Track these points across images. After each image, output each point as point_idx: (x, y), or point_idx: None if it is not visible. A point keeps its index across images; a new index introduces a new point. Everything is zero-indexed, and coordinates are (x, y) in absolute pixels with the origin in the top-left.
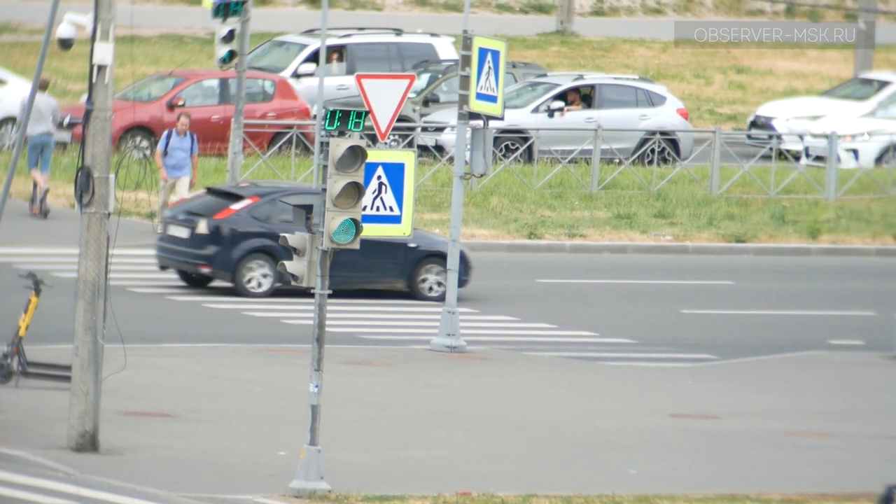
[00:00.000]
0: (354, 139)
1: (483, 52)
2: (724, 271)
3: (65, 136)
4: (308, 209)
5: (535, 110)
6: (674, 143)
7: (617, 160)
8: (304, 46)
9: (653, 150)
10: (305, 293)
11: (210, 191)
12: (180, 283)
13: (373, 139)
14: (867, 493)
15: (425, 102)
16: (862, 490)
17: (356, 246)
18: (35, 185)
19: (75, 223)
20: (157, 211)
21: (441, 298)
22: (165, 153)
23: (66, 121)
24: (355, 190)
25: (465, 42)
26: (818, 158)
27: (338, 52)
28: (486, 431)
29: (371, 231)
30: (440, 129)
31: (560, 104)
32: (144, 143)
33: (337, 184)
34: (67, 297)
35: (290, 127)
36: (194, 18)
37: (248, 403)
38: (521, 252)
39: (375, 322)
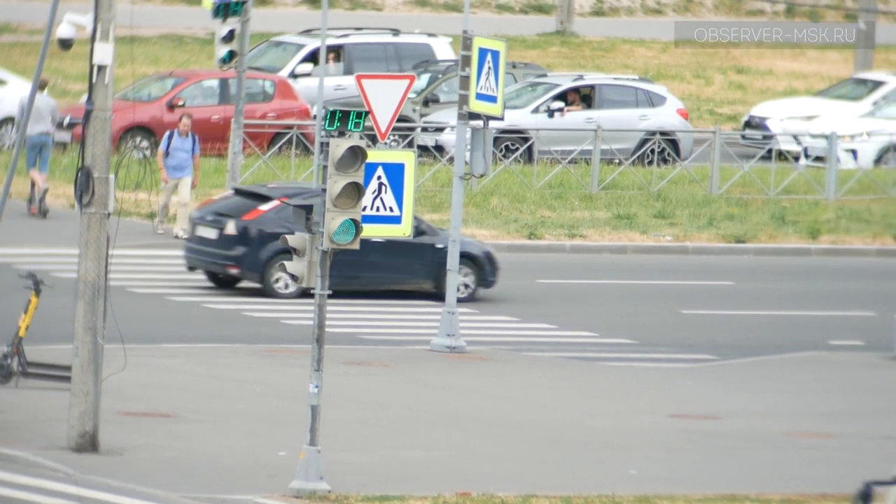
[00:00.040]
0: (354, 139)
1: (483, 53)
2: (724, 272)
3: (65, 136)
4: (308, 209)
5: (535, 110)
6: (674, 144)
7: (617, 160)
8: (301, 46)
9: (653, 151)
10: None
11: (238, 192)
12: (180, 283)
13: (373, 139)
14: None
15: (425, 103)
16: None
17: (356, 246)
18: (33, 185)
19: (75, 223)
20: (158, 211)
21: (468, 300)
22: (167, 154)
23: (66, 121)
24: (355, 190)
25: (465, 42)
26: (818, 159)
27: (335, 52)
28: (486, 432)
29: (371, 231)
30: (440, 130)
31: (560, 104)
32: (144, 144)
33: (337, 184)
34: (67, 298)
35: (290, 127)
36: (194, 18)
37: (248, 404)
38: (521, 252)
39: (375, 322)
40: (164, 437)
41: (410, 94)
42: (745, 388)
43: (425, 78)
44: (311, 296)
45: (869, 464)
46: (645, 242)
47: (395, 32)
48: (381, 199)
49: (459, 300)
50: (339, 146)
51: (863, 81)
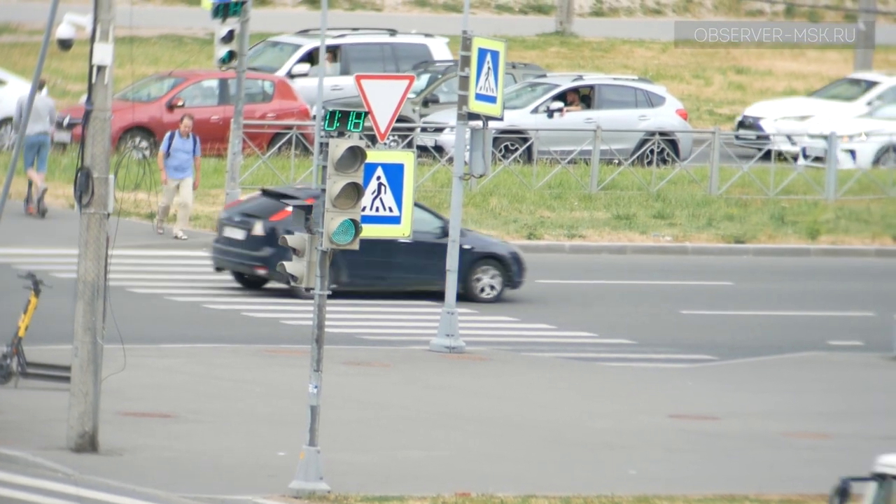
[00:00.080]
0: (354, 140)
1: (482, 53)
2: (724, 272)
3: (64, 136)
4: (308, 210)
5: (535, 111)
6: (673, 144)
7: (616, 161)
8: (297, 47)
9: (652, 151)
10: (360, 296)
11: (265, 192)
12: (181, 284)
13: (372, 140)
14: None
15: (425, 103)
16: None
17: (355, 247)
18: (30, 185)
19: (74, 223)
20: (158, 212)
21: (495, 300)
22: (168, 154)
23: (66, 121)
24: (355, 190)
25: (465, 42)
26: (817, 159)
27: (332, 52)
28: (486, 432)
29: (370, 232)
30: (440, 130)
31: (559, 105)
32: (144, 144)
33: (336, 184)
34: (67, 298)
35: (289, 127)
36: (194, 19)
37: (248, 404)
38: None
39: (375, 323)
40: (164, 438)
41: (410, 95)
42: (745, 388)
43: (425, 78)
44: (340, 298)
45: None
46: (644, 243)
47: (392, 33)
48: (381, 199)
49: (487, 300)
50: (338, 146)
51: (857, 81)
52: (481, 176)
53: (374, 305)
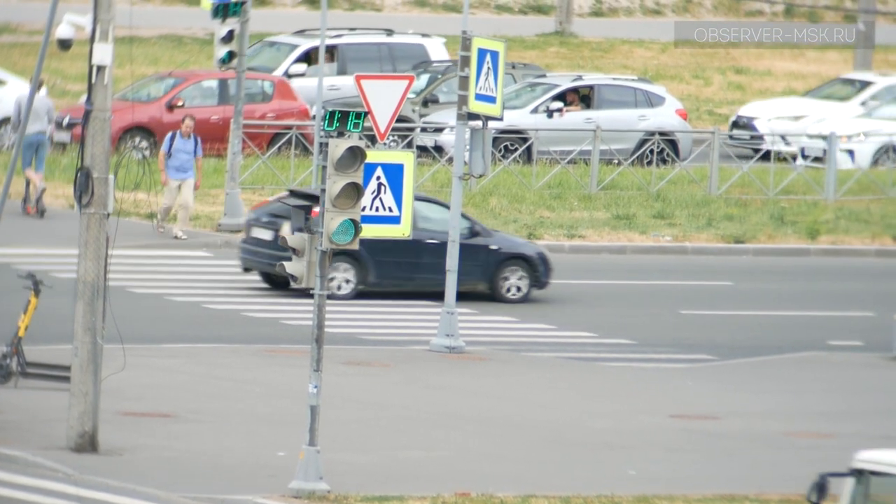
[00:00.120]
0: (353, 140)
1: (482, 53)
2: (724, 272)
3: (64, 136)
4: (308, 210)
5: (535, 111)
6: (673, 144)
7: (616, 161)
8: (294, 47)
9: (652, 151)
10: (389, 297)
11: (293, 193)
12: (181, 284)
13: (372, 140)
14: None
15: (425, 103)
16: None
17: (355, 247)
18: (28, 184)
19: (74, 223)
20: (160, 212)
21: (522, 301)
22: (169, 155)
23: (66, 121)
24: (354, 190)
25: (465, 43)
26: (816, 160)
27: (329, 52)
28: (486, 432)
29: (370, 232)
30: (439, 130)
31: (559, 105)
32: (143, 144)
33: (336, 184)
34: (67, 298)
35: (289, 128)
36: (193, 19)
37: (248, 404)
38: None
39: (375, 323)
40: (164, 438)
41: (410, 95)
42: (745, 388)
43: (424, 78)
44: (367, 298)
45: None
46: (644, 243)
47: (389, 33)
48: (381, 199)
49: (514, 301)
50: (338, 146)
51: (850, 81)
52: (481, 176)
53: (374, 305)
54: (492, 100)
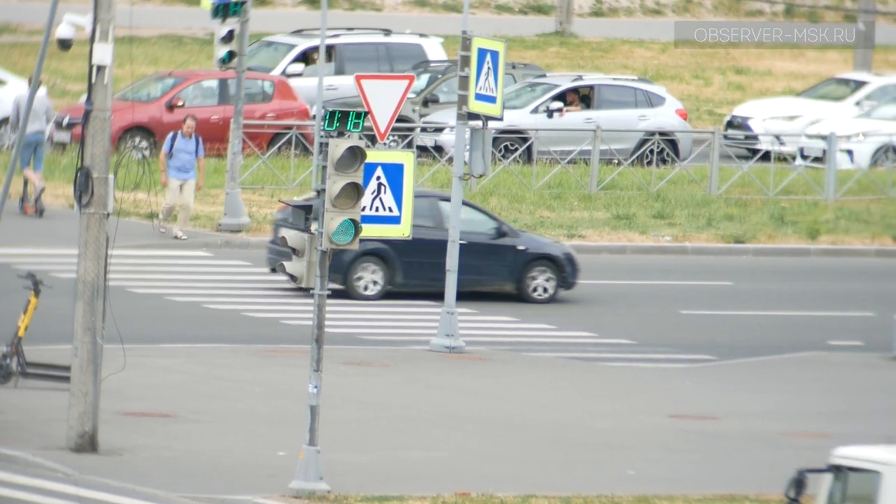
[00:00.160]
0: (353, 140)
1: (482, 53)
2: (723, 272)
3: (64, 136)
4: (307, 210)
5: (535, 111)
6: (673, 144)
7: (616, 161)
8: (292, 46)
9: (652, 151)
10: (416, 297)
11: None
12: (181, 284)
13: (372, 140)
14: None
15: (425, 103)
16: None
17: (355, 247)
18: (26, 184)
19: (74, 223)
20: (161, 211)
21: (549, 301)
22: (170, 155)
23: (66, 121)
24: (354, 190)
25: (465, 42)
26: (816, 160)
27: (326, 52)
28: (486, 432)
29: (370, 232)
30: (439, 130)
31: (559, 105)
32: (143, 144)
33: (336, 184)
34: (67, 298)
35: (289, 128)
36: (193, 19)
37: (248, 404)
38: None
39: (375, 322)
40: (164, 437)
41: (410, 95)
42: (744, 388)
43: (424, 78)
44: (394, 298)
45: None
46: (644, 243)
47: (387, 32)
48: (381, 199)
49: (541, 301)
50: (338, 146)
51: (845, 81)
52: (481, 176)
53: (374, 305)
54: (492, 100)
